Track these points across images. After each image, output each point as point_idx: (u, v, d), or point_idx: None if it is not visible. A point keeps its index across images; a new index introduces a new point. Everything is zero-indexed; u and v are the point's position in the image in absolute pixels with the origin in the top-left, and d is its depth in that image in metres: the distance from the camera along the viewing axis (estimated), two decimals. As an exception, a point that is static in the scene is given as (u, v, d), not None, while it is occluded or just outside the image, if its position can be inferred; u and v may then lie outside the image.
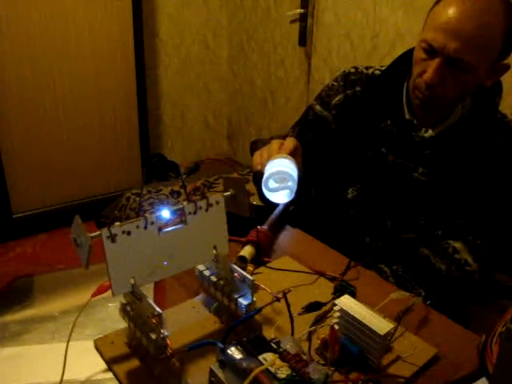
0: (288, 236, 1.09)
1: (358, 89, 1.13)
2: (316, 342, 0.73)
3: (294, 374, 0.59)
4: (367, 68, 1.15)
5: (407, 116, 1.07)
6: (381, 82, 1.11)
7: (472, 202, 1.07)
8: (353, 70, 1.16)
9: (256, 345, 0.63)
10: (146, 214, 0.68)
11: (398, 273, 1.06)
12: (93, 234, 0.63)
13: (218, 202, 0.76)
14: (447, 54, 0.93)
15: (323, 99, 1.18)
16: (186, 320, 0.78)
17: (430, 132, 1.05)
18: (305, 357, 0.63)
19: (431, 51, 0.96)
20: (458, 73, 0.95)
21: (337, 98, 1.15)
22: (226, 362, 0.61)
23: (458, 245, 1.05)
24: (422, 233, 1.11)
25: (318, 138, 1.18)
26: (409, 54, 1.07)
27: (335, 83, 1.17)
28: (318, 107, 1.18)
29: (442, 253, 1.06)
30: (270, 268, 0.93)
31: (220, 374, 0.61)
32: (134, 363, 0.70)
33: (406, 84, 1.08)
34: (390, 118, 1.09)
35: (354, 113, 1.13)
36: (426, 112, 1.04)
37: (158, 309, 0.65)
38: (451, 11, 0.92)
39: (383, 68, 1.13)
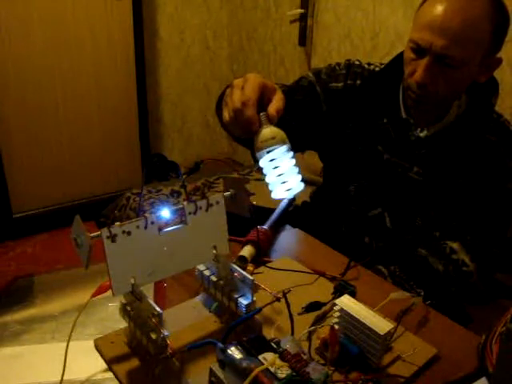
0: (288, 236, 1.09)
1: (358, 82, 1.13)
2: (316, 342, 0.73)
3: (294, 373, 0.59)
4: (369, 64, 1.15)
5: (403, 115, 1.07)
6: (379, 79, 1.11)
7: (468, 202, 1.07)
8: (357, 63, 1.15)
9: (256, 345, 0.63)
10: (146, 214, 0.68)
11: (395, 273, 1.06)
12: (93, 234, 0.63)
13: (218, 202, 0.76)
14: (435, 52, 0.93)
15: (320, 75, 1.15)
16: (185, 320, 0.78)
17: (426, 132, 1.05)
18: (305, 356, 0.63)
19: (419, 50, 0.96)
20: (448, 70, 0.95)
21: (336, 84, 1.14)
22: (226, 362, 0.61)
23: (455, 245, 1.06)
24: (419, 234, 1.11)
25: (306, 104, 1.14)
26: None
27: (337, 68, 1.16)
28: (312, 78, 1.16)
29: (440, 253, 1.06)
30: (270, 268, 0.93)
31: (220, 373, 0.61)
32: (134, 363, 0.70)
33: (402, 83, 1.08)
34: (386, 117, 1.09)
35: (351, 105, 1.13)
36: (420, 111, 1.05)
37: (158, 309, 0.65)
38: (436, 9, 0.93)
39: (382, 66, 1.14)
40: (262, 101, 0.79)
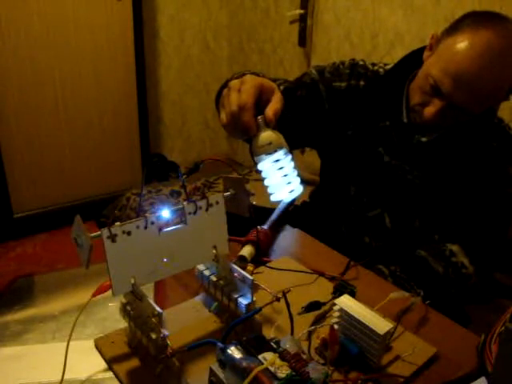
0: (288, 236, 1.10)
1: (361, 83, 1.12)
2: (316, 342, 0.73)
3: (294, 373, 0.59)
4: (373, 65, 1.15)
5: (405, 119, 1.07)
6: (383, 82, 1.11)
7: (468, 205, 1.07)
8: (361, 63, 1.15)
9: (256, 344, 0.63)
10: (146, 214, 0.68)
11: (396, 274, 1.06)
12: (93, 234, 0.63)
13: (217, 202, 0.76)
14: (454, 102, 0.94)
15: (324, 73, 1.15)
16: (186, 320, 0.79)
17: (427, 136, 1.06)
18: (304, 356, 0.63)
19: (437, 91, 0.95)
20: (460, 113, 0.96)
21: (339, 83, 1.13)
22: (226, 362, 0.61)
23: (454, 248, 1.06)
24: (417, 236, 1.11)
25: (308, 101, 1.13)
26: (412, 56, 1.07)
27: (341, 66, 1.15)
28: (315, 75, 1.15)
29: (439, 255, 1.06)
30: (270, 268, 0.93)
31: (220, 373, 0.62)
32: (135, 363, 0.70)
33: (406, 86, 1.08)
34: (388, 119, 1.09)
35: (354, 106, 1.12)
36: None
37: (158, 308, 0.65)
38: (469, 61, 0.90)
39: (387, 67, 1.13)
40: (260, 102, 0.78)
